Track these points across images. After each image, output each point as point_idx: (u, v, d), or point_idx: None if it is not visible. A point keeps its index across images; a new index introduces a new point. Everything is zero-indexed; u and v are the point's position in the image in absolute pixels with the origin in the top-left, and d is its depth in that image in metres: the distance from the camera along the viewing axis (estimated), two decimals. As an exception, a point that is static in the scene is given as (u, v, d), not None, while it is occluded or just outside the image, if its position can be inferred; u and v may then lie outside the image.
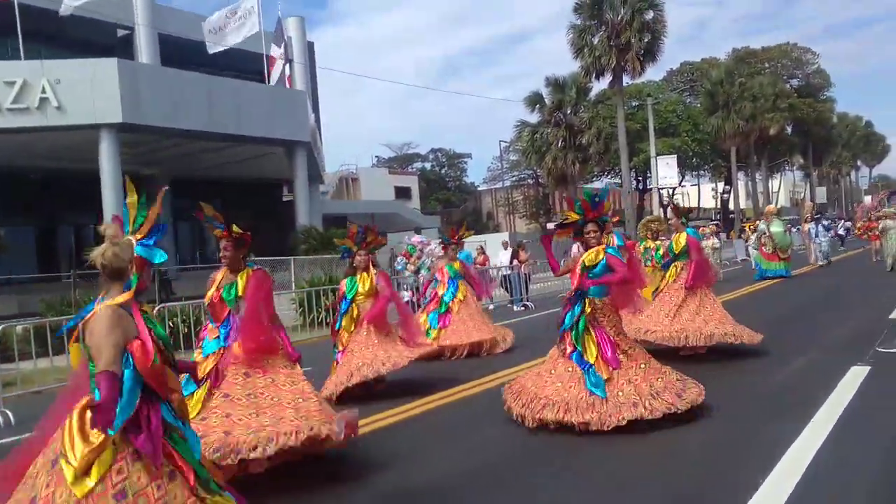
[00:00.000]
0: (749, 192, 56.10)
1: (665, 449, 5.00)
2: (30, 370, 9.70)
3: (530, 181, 58.36)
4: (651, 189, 44.40)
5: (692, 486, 4.33)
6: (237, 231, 5.47)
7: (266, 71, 24.75)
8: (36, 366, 9.77)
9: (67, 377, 9.70)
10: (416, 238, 17.53)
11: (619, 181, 49.73)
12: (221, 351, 5.14)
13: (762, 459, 4.53)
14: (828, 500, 4.01)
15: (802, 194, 75.62)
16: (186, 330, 11.20)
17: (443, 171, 65.96)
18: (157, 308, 11.69)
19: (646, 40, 35.21)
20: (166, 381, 3.10)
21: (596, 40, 35.81)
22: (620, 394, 5.44)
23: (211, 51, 24.21)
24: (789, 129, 56.30)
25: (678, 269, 8.73)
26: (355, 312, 7.51)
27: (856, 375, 6.70)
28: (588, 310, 5.77)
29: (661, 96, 52.53)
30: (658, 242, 11.66)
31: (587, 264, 5.84)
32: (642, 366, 5.65)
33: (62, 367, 10.29)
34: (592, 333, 5.73)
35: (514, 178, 61.76)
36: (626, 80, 38.13)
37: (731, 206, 54.75)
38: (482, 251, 19.20)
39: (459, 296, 10.02)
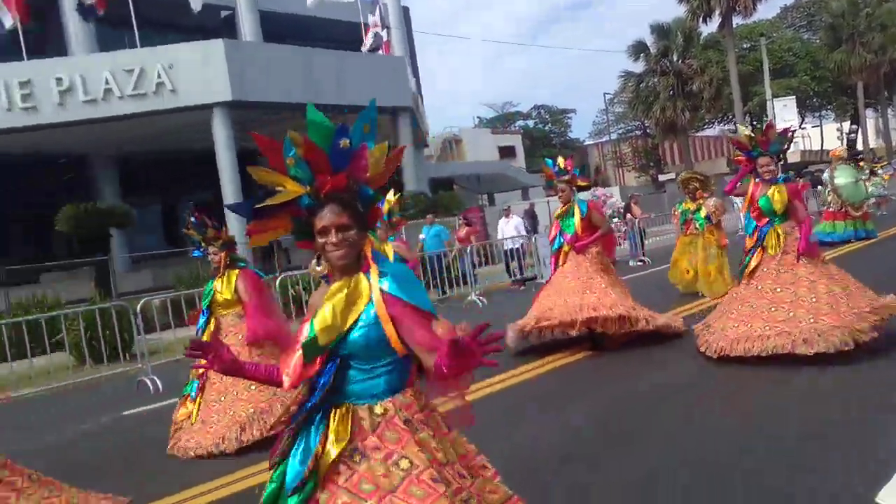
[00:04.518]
0: (879, 131, 52.10)
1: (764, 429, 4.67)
2: (170, 340, 10.30)
3: (638, 133, 56.54)
4: (768, 133, 42.02)
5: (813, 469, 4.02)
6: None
7: (373, 35, 24.89)
8: (175, 335, 10.36)
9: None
10: (600, 190, 18.41)
11: (733, 127, 47.36)
12: None
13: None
14: None
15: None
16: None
17: (547, 128, 64.87)
18: (277, 277, 12.15)
19: (758, -25, 33.11)
20: None
21: (703, -20, 33.99)
22: None
23: (308, 4, 24.26)
24: (924, 59, 51.56)
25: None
26: (212, 327, 5.74)
27: None
28: None
29: (776, 35, 49.34)
30: (699, 202, 10.01)
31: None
32: None
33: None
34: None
35: (621, 131, 60.00)
36: (736, 20, 36.11)
37: (860, 146, 51.10)
38: (466, 223, 16.73)
39: None
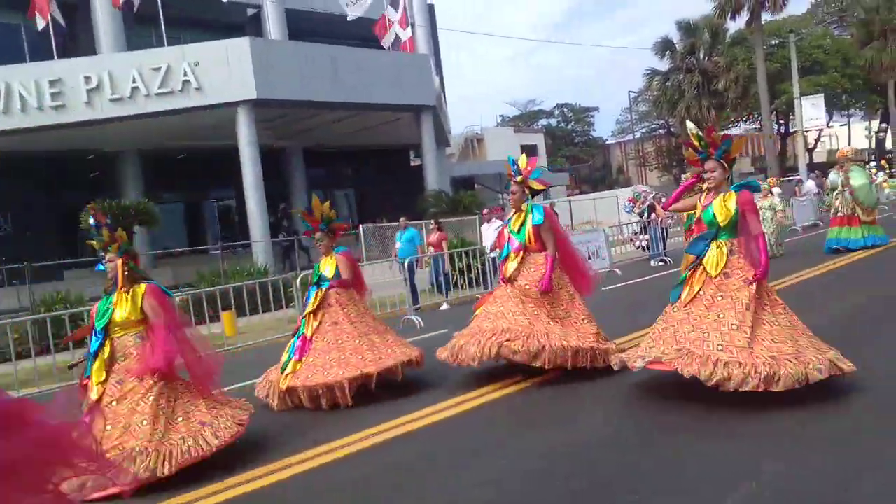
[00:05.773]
0: (909, 130, 51.13)
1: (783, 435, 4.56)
2: (190, 337, 10.35)
3: (662, 132, 56.05)
4: (795, 132, 41.56)
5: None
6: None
7: (393, 34, 24.99)
8: (197, 333, 10.39)
9: (223, 343, 10.42)
10: (640, 187, 19.02)
11: (759, 126, 46.80)
12: None
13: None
14: None
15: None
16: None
17: (569, 127, 64.57)
18: (299, 275, 12.20)
19: (788, -30, 32.64)
20: None
21: (731, -24, 33.59)
22: None
23: (350, 18, 24.53)
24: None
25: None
26: (106, 352, 4.95)
27: None
28: None
29: (805, 31, 48.58)
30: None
31: None
32: None
33: (217, 334, 11.00)
34: None
35: (644, 130, 59.56)
36: (765, 17, 35.62)
37: (889, 145, 50.23)
38: (438, 227, 15.06)
39: (311, 307, 6.58)
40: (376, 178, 30.08)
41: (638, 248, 17.95)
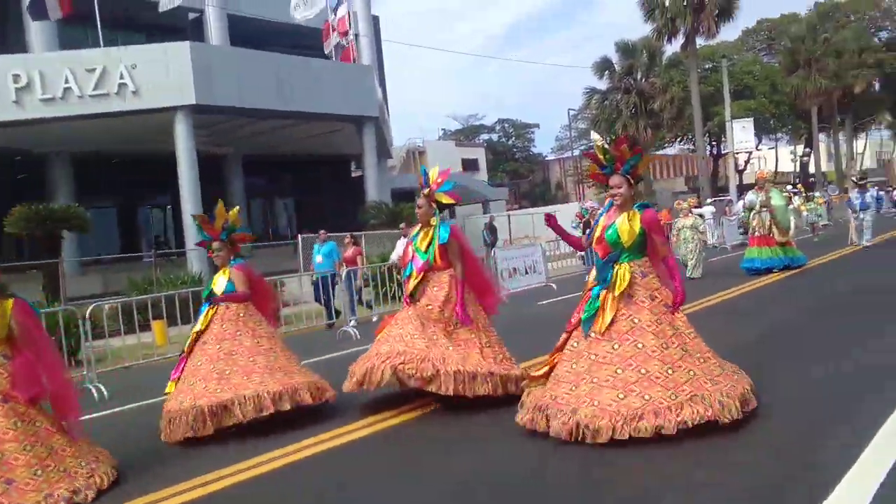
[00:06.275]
0: (831, 154, 53.65)
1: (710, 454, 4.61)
2: (118, 346, 10.12)
3: (600, 149, 57.25)
4: (726, 154, 43.08)
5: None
6: None
7: (335, 40, 24.98)
8: (124, 342, 10.18)
9: (153, 353, 10.19)
10: (589, 203, 19.44)
11: (693, 147, 48.33)
12: None
13: (829, 464, 3.95)
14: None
15: (891, 155, 71.69)
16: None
17: (510, 142, 65.40)
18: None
19: (721, -1, 33.93)
20: None
21: (668, 1, 34.65)
22: None
23: (299, 20, 24.42)
24: (877, 86, 53.27)
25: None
26: None
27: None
28: None
29: (737, 57, 50.57)
30: None
31: None
32: None
33: (148, 344, 10.75)
34: None
35: (583, 147, 60.76)
36: (699, 41, 36.93)
37: (812, 169, 52.55)
38: (353, 241, 14.44)
39: (199, 325, 6.04)
40: (317, 187, 29.89)
41: (579, 257, 18.77)
